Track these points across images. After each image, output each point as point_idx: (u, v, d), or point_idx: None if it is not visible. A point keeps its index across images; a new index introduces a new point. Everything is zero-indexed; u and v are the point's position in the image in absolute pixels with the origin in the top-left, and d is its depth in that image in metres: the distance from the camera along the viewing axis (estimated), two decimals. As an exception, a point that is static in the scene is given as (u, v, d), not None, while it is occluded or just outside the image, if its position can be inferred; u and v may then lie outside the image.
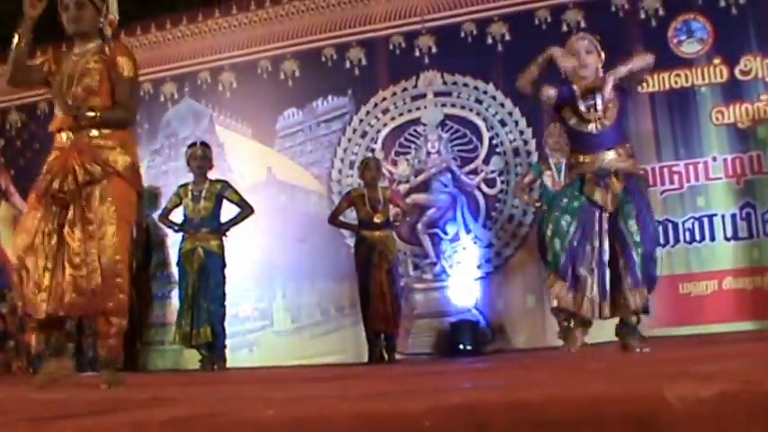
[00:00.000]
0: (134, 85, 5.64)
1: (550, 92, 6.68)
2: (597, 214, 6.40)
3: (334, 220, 10.54)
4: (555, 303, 8.34)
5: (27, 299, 5.19)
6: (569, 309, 6.56)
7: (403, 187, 11.38)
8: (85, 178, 5.21)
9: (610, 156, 6.47)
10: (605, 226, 6.38)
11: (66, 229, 5.23)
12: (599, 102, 6.46)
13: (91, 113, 5.29)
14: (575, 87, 6.63)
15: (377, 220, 10.18)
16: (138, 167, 5.59)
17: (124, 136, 5.49)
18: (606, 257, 6.35)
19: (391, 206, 10.45)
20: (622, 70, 6.50)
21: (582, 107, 6.51)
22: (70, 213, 5.24)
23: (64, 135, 5.38)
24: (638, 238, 6.33)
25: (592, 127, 6.49)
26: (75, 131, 5.33)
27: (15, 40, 5.41)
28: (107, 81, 5.44)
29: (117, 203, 5.26)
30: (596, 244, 6.39)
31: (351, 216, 10.57)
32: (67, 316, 5.34)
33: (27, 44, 5.41)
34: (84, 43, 5.56)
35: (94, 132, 5.33)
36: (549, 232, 6.54)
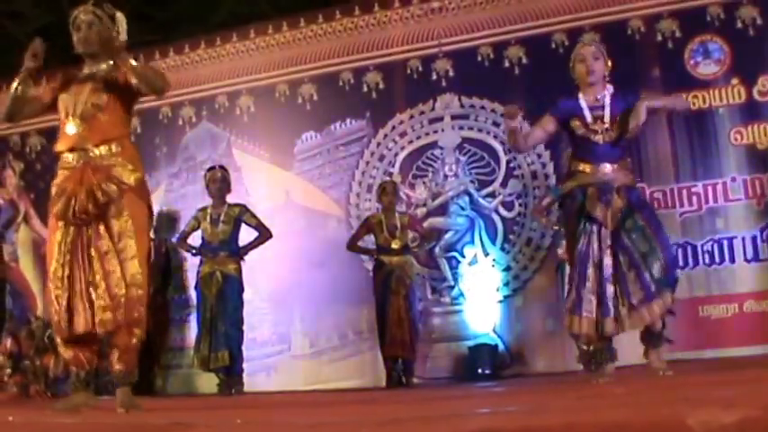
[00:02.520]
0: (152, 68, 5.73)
1: (537, 133, 6.71)
2: (596, 230, 6.34)
3: (352, 246, 10.55)
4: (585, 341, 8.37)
5: (62, 320, 5.26)
6: (576, 332, 6.50)
7: (420, 210, 11.37)
8: (104, 199, 5.27)
9: (608, 169, 6.43)
10: (608, 242, 6.32)
11: (89, 247, 5.29)
12: (606, 114, 6.44)
13: (105, 149, 5.41)
14: (581, 97, 6.59)
15: (395, 245, 10.18)
16: (146, 181, 5.68)
17: (132, 151, 5.58)
18: (609, 273, 6.28)
19: (410, 231, 10.45)
20: (658, 103, 6.50)
21: (589, 117, 6.48)
22: (90, 231, 5.30)
23: (74, 155, 5.42)
24: (654, 244, 6.28)
25: (599, 138, 6.45)
26: (86, 150, 5.39)
27: (14, 85, 5.49)
28: (115, 100, 5.50)
29: (133, 218, 5.36)
30: (597, 261, 6.32)
31: (369, 240, 10.56)
32: (100, 334, 5.35)
33: (26, 89, 5.50)
34: (95, 64, 5.63)
35: (104, 150, 5.39)
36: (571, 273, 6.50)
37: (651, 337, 6.42)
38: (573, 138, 6.63)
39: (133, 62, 5.41)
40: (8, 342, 10.92)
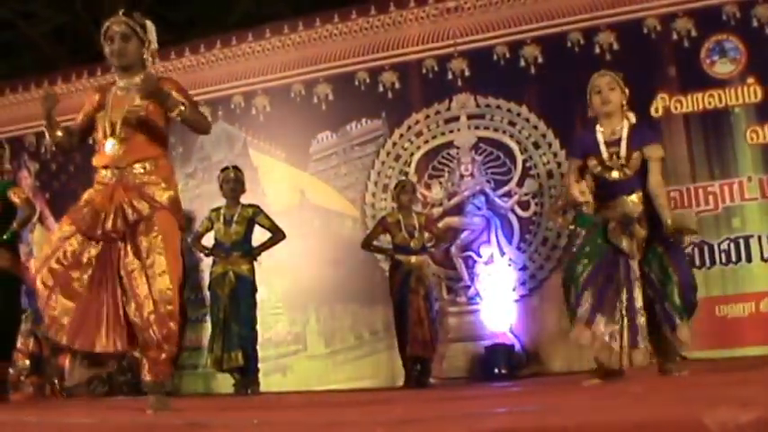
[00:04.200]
0: (195, 105, 5.67)
1: (575, 193, 6.66)
2: (623, 261, 6.32)
3: (367, 245, 10.52)
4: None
5: (78, 331, 5.20)
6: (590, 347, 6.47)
7: (436, 210, 11.37)
8: (134, 217, 5.25)
9: (629, 200, 6.41)
10: (637, 273, 6.30)
11: (117, 266, 5.28)
12: (622, 149, 6.41)
13: (140, 167, 5.40)
14: (598, 131, 6.55)
15: (413, 245, 10.16)
16: (180, 201, 5.62)
17: (167, 170, 5.53)
18: (639, 305, 6.25)
19: (427, 231, 10.45)
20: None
21: (605, 154, 6.45)
22: (120, 247, 5.29)
23: (108, 172, 5.40)
24: (670, 271, 6.28)
25: (615, 174, 6.43)
26: (120, 168, 5.36)
27: (47, 133, 5.52)
28: (152, 117, 5.45)
29: (164, 234, 5.31)
30: (626, 292, 6.30)
31: (383, 239, 10.55)
32: (130, 351, 5.43)
33: (55, 136, 5.52)
34: (130, 76, 5.58)
35: (139, 168, 5.36)
36: (565, 278, 6.51)
37: (667, 350, 6.41)
38: (593, 177, 6.60)
39: (182, 107, 5.36)
40: (30, 343, 10.96)
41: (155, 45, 5.64)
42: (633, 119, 6.52)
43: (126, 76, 5.59)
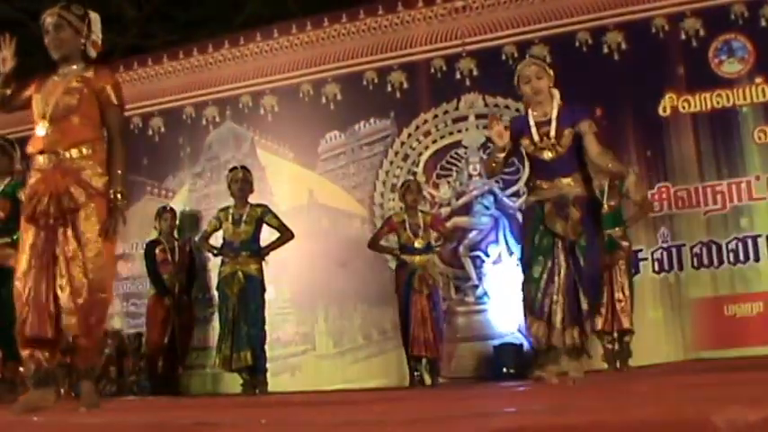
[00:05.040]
0: (123, 112, 5.70)
1: (499, 148, 6.76)
2: (560, 244, 6.42)
3: (374, 245, 10.52)
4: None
5: (29, 321, 5.25)
6: (542, 343, 6.58)
7: (444, 210, 11.37)
8: (70, 204, 5.26)
9: (566, 182, 6.48)
10: (564, 255, 6.41)
11: (56, 249, 5.28)
12: (552, 128, 6.49)
13: (76, 152, 5.40)
14: (530, 114, 6.65)
15: (417, 244, 10.15)
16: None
17: (103, 155, 5.50)
18: (563, 285, 6.37)
19: (434, 231, 10.44)
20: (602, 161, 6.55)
21: (535, 136, 6.54)
22: (58, 234, 5.29)
23: (44, 157, 5.40)
24: (584, 266, 6.40)
25: (548, 154, 6.51)
26: (56, 153, 5.37)
27: None
28: (87, 102, 5.48)
29: (101, 222, 5.32)
30: (562, 274, 6.40)
31: (391, 239, 10.55)
32: (65, 337, 5.35)
33: (8, 88, 5.61)
34: (68, 65, 5.62)
35: (75, 153, 5.37)
36: (523, 277, 6.60)
37: (572, 351, 6.49)
38: (527, 155, 6.73)
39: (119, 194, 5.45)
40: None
41: (96, 36, 5.65)
42: (559, 99, 6.70)
43: (64, 66, 5.62)
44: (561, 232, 6.40)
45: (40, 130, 5.43)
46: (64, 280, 5.23)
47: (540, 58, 6.98)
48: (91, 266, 5.24)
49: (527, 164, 11.02)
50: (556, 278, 6.43)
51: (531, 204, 6.75)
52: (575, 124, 6.50)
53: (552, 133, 6.51)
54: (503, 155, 6.78)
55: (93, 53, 5.64)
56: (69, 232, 5.28)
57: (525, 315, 6.67)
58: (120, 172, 5.46)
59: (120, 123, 5.64)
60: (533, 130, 6.58)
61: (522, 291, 6.64)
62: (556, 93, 6.69)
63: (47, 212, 5.24)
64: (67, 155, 5.36)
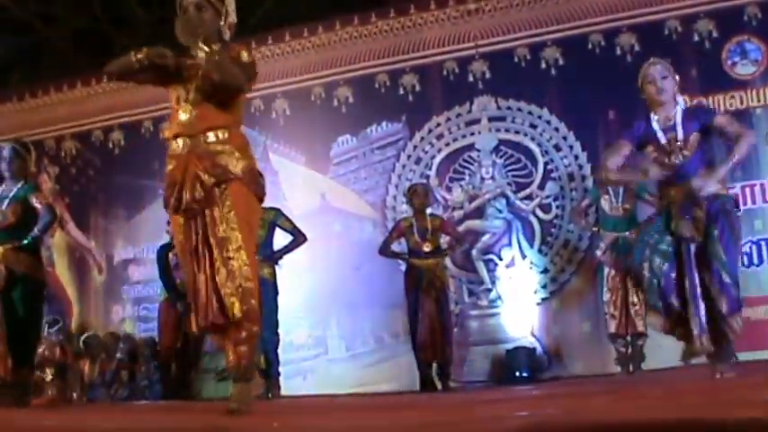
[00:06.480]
0: (251, 67, 5.39)
1: (617, 161, 6.64)
2: (686, 248, 6.30)
3: (385, 250, 10.49)
4: (613, 329, 8.34)
5: (199, 313, 5.18)
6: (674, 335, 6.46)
7: (457, 213, 11.36)
8: (211, 181, 5.11)
9: (695, 184, 6.36)
10: (694, 259, 6.29)
11: (205, 236, 5.15)
12: (680, 133, 6.38)
13: (213, 136, 5.21)
14: (653, 119, 6.53)
15: (426, 248, 10.14)
16: (258, 171, 5.45)
17: (241, 140, 5.38)
18: (699, 290, 6.24)
19: (444, 234, 10.43)
20: (723, 170, 6.43)
21: (663, 139, 6.43)
22: (206, 219, 5.15)
23: (180, 141, 5.24)
24: (724, 259, 6.23)
25: (675, 159, 6.40)
26: (192, 137, 5.20)
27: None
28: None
29: (238, 208, 5.15)
30: (691, 278, 6.28)
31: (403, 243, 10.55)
32: (226, 322, 5.17)
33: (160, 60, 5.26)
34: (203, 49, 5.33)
35: (211, 137, 5.20)
36: (646, 272, 6.43)
37: (722, 352, 6.35)
38: (653, 160, 6.57)
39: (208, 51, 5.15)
40: (57, 351, 10.95)
41: (232, 18, 5.45)
42: (683, 103, 6.60)
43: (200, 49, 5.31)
44: (688, 235, 6.28)
45: (182, 114, 5.26)
46: (218, 263, 5.09)
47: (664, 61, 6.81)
48: (232, 252, 5.08)
49: (540, 167, 11.07)
50: (684, 282, 6.31)
51: (660, 206, 6.65)
52: (704, 126, 6.40)
53: (680, 137, 6.41)
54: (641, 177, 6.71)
55: (228, 35, 5.44)
56: (216, 214, 5.12)
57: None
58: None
59: (248, 72, 5.34)
60: (660, 135, 6.44)
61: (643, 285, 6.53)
62: (681, 98, 6.57)
63: (193, 198, 5.11)
64: (203, 139, 5.19)
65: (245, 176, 5.25)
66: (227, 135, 5.25)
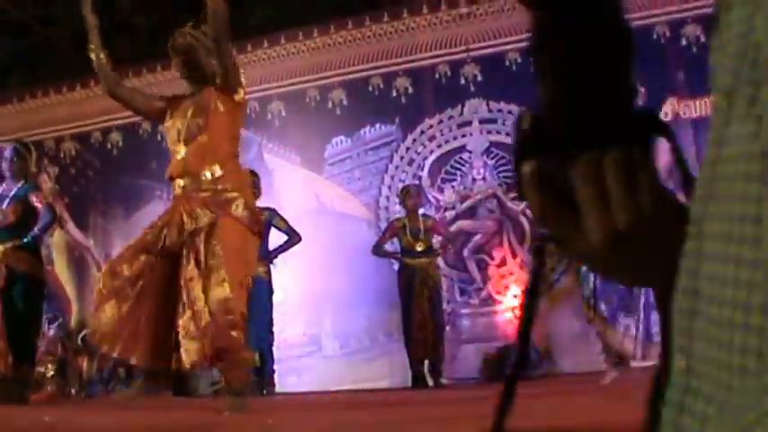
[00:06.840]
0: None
1: None
2: None
3: (377, 250, 10.61)
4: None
5: (124, 345, 5.17)
6: None
7: (449, 214, 11.46)
8: (192, 226, 5.17)
9: None
10: None
11: (176, 278, 5.19)
12: None
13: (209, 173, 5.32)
14: None
15: (418, 248, 10.25)
16: (255, 207, 5.56)
17: (237, 176, 5.46)
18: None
19: (436, 234, 10.53)
20: None
21: None
22: (182, 258, 5.18)
23: (178, 182, 5.35)
24: None
25: None
26: (188, 176, 5.30)
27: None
28: (216, 117, 5.42)
29: (223, 241, 5.17)
30: None
31: (396, 243, 10.65)
32: (186, 363, 5.17)
33: (101, 52, 5.50)
34: (197, 87, 5.58)
35: (207, 175, 5.29)
36: None
37: None
38: None
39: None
40: (59, 348, 11.04)
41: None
42: None
43: (195, 88, 5.60)
44: None
45: (179, 153, 5.36)
46: (185, 305, 5.15)
47: None
48: (212, 289, 5.09)
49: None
50: None
51: None
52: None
53: None
54: None
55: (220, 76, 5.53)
56: (192, 256, 5.16)
57: None
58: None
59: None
60: None
61: None
62: None
63: (171, 241, 5.23)
64: (201, 177, 5.28)
65: (240, 213, 5.31)
66: (222, 171, 5.33)
